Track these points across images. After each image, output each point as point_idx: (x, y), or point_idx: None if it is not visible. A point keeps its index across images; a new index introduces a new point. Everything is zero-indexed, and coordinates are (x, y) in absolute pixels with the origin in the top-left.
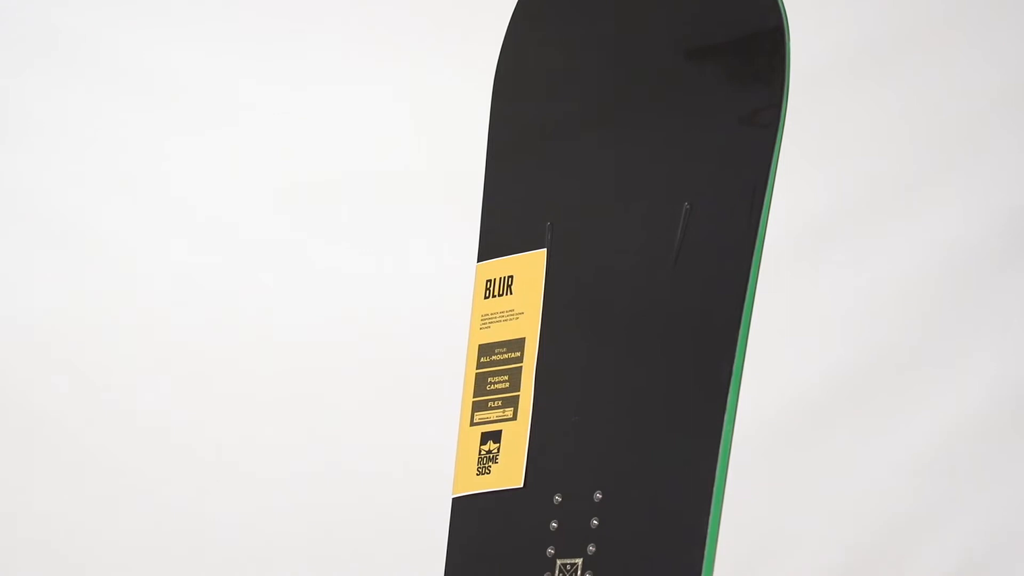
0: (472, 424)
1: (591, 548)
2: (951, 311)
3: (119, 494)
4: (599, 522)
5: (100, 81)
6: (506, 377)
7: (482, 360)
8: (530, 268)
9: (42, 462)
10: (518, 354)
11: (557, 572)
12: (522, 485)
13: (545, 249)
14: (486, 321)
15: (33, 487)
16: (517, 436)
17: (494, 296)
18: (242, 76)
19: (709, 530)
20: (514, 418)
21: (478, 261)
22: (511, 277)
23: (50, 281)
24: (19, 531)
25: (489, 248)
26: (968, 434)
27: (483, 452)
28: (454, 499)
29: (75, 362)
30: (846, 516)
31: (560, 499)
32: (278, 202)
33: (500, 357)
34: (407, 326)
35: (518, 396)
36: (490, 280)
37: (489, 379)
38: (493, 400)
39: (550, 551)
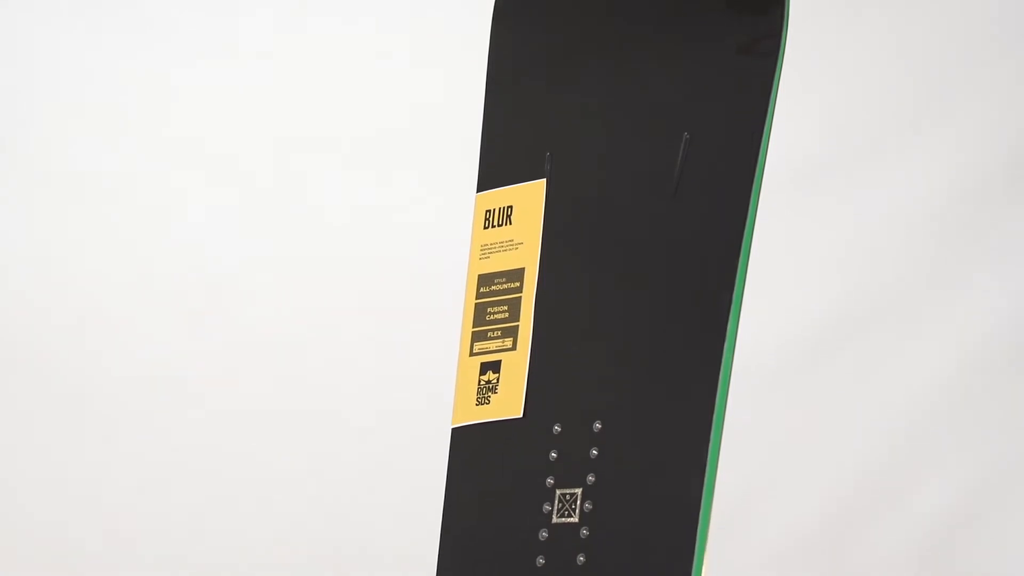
0: (471, 354)
1: (590, 478)
2: (952, 244)
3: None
4: (599, 452)
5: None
6: (505, 307)
7: (481, 290)
8: (529, 198)
9: (42, 401)
10: (517, 284)
11: (556, 502)
12: (521, 415)
13: (545, 179)
14: (485, 251)
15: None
16: (516, 366)
17: (493, 226)
18: (241, 13)
19: (709, 460)
20: (513, 348)
21: (477, 191)
22: (510, 207)
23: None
24: None
25: (488, 178)
26: (971, 366)
27: (482, 382)
28: (453, 429)
29: (70, 296)
30: (847, 448)
31: (560, 429)
32: (277, 137)
33: (499, 287)
34: (405, 257)
35: (517, 326)
36: (489, 210)
37: (488, 309)
38: (492, 330)
39: (549, 481)
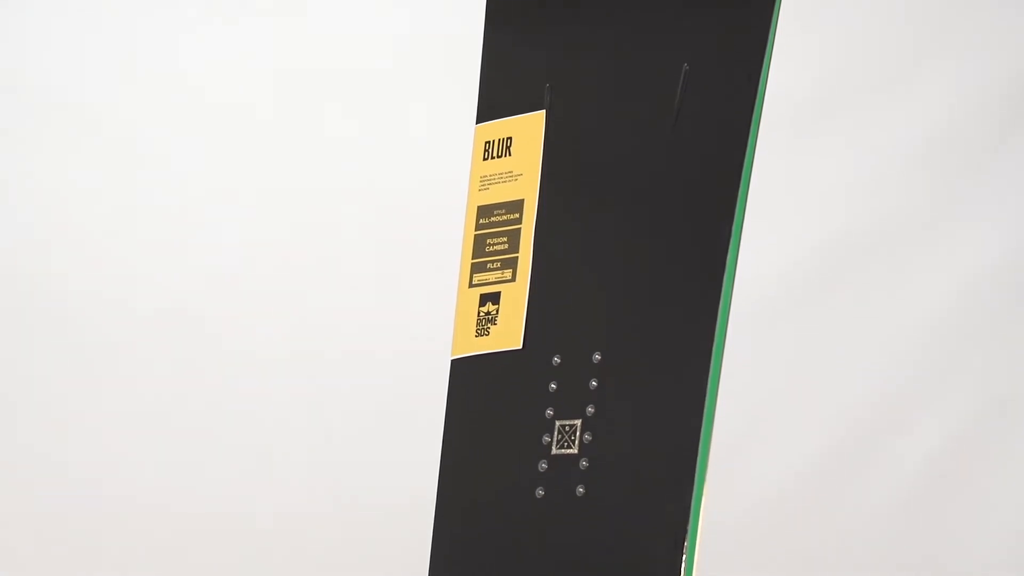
0: (471, 286)
1: (590, 409)
2: (951, 178)
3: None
4: (598, 383)
5: None
6: (505, 239)
7: (481, 222)
8: (529, 129)
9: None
10: (517, 215)
11: (556, 433)
12: (521, 347)
13: (544, 110)
14: (485, 183)
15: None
16: (516, 298)
17: (493, 158)
18: None
19: (709, 390)
20: (513, 280)
21: (477, 123)
22: (510, 139)
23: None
24: None
25: (488, 110)
26: (970, 298)
27: (482, 314)
28: (453, 361)
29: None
30: (849, 379)
31: (559, 360)
32: (277, 69)
33: (499, 219)
34: (405, 189)
35: (517, 257)
36: (489, 141)
37: (488, 241)
38: (492, 262)
39: (549, 412)
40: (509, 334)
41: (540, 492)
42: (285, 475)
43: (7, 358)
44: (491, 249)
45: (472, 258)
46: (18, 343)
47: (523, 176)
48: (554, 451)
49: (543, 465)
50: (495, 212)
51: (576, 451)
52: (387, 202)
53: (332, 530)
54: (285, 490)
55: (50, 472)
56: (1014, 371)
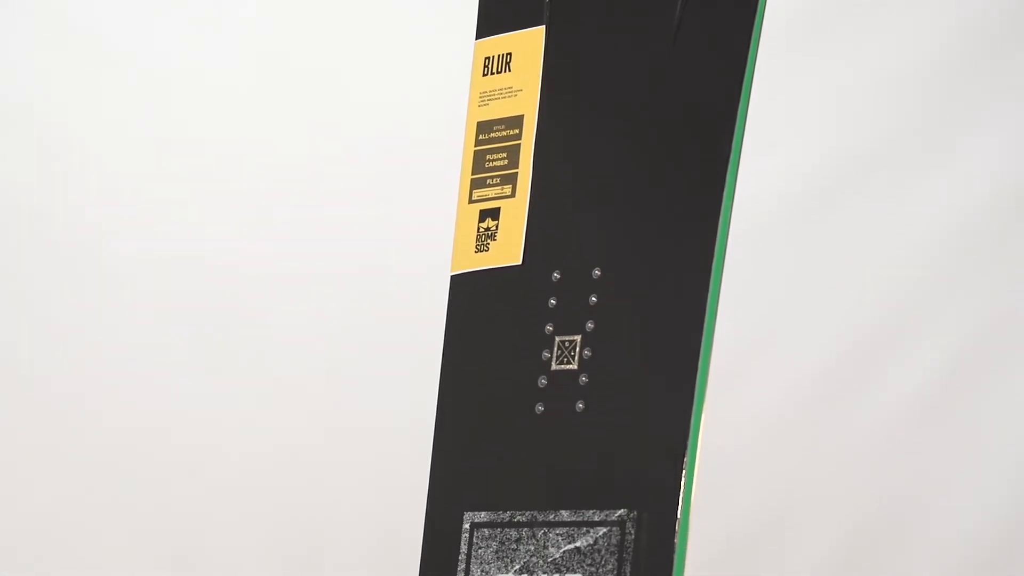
0: (470, 201)
1: (590, 325)
2: (955, 96)
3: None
4: (598, 299)
5: None
6: (504, 155)
7: (480, 138)
8: (529, 45)
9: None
10: (517, 131)
11: (555, 349)
12: (520, 262)
13: (544, 26)
14: (484, 99)
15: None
16: (516, 213)
17: (492, 73)
18: None
19: (708, 306)
20: (512, 195)
21: (476, 38)
22: (509, 55)
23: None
24: None
25: (487, 25)
26: (969, 217)
27: (481, 230)
28: (452, 277)
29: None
30: (848, 296)
31: (559, 276)
32: None
33: (499, 134)
34: (404, 105)
35: (517, 173)
36: (488, 57)
37: (487, 156)
38: (492, 177)
39: (548, 328)
40: (508, 250)
41: (540, 408)
42: (282, 392)
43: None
44: (491, 165)
45: (472, 174)
46: None
47: (523, 92)
48: (554, 367)
49: (543, 381)
50: (495, 128)
51: (576, 367)
52: (386, 118)
53: (331, 449)
54: (283, 407)
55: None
56: (1015, 290)
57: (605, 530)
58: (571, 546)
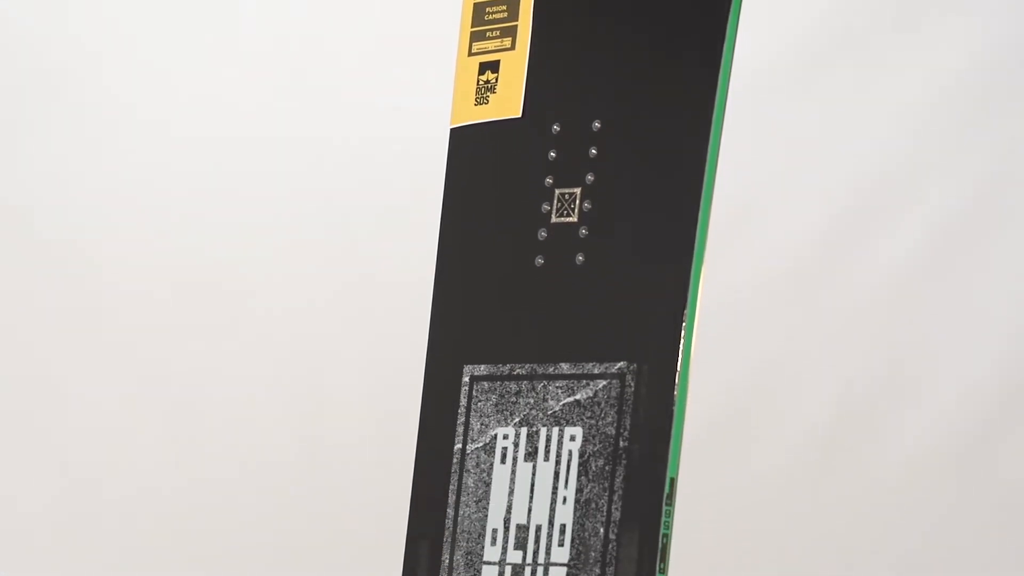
0: (470, 54)
1: (589, 177)
2: None
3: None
4: (598, 152)
5: None
6: (504, 7)
7: None
8: None
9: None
10: None
11: (555, 202)
12: (520, 115)
13: None
14: None
15: None
16: (515, 66)
17: None
18: None
19: (709, 157)
20: (512, 48)
21: None
22: None
23: None
24: None
25: None
26: (970, 75)
27: (481, 82)
28: (452, 129)
29: None
30: (849, 150)
31: (558, 128)
32: None
33: None
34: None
35: (516, 26)
36: None
37: (487, 9)
38: (491, 30)
39: (548, 181)
40: (508, 102)
41: (539, 261)
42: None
43: None
44: (490, 18)
45: (471, 27)
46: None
47: None
48: (553, 219)
49: (542, 234)
50: None
51: (575, 219)
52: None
53: (333, 303)
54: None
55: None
56: (1012, 149)
57: (605, 383)
58: (571, 399)
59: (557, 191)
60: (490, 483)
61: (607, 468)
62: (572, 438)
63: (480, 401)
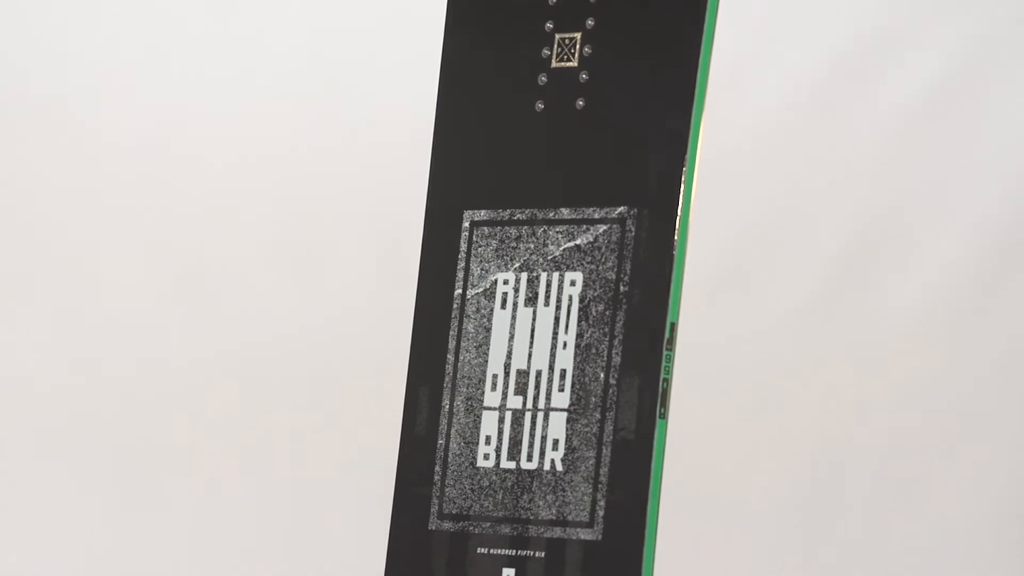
0: None
1: (590, 22)
2: None
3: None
4: None
5: None
6: None
7: None
8: None
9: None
10: None
11: (555, 46)
12: None
13: None
14: None
15: None
16: None
17: None
18: None
19: (708, 8)
20: None
21: None
22: None
23: None
24: None
25: None
26: None
27: None
28: None
29: None
30: (845, 6)
31: None
32: None
33: None
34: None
35: None
36: None
37: None
38: None
39: (548, 25)
40: None
41: (539, 106)
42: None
43: None
44: None
45: None
46: None
47: None
48: (553, 64)
49: (542, 78)
50: None
51: (576, 64)
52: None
53: (333, 146)
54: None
55: None
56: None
57: (605, 227)
58: (571, 244)
59: (557, 36)
60: (490, 328)
61: (607, 313)
62: (572, 283)
63: (480, 247)
